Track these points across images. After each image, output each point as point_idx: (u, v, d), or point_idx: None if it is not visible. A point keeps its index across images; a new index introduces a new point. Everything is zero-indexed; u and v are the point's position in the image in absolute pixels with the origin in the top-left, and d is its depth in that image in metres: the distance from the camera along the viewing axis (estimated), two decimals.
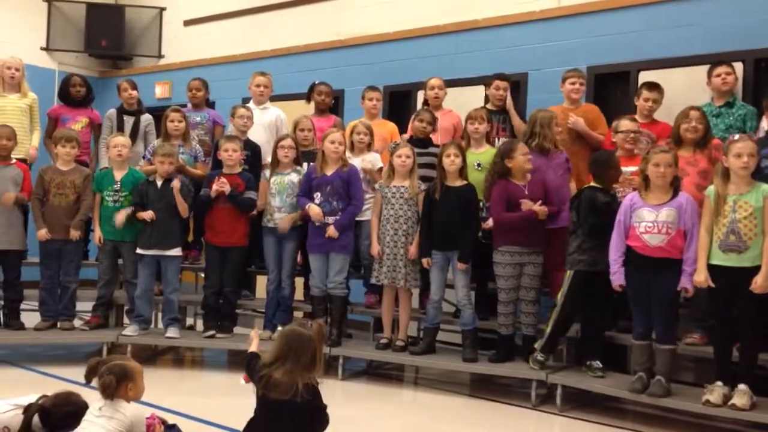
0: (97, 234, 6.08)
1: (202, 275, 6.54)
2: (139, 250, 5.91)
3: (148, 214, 5.80)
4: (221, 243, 5.98)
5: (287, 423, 3.05)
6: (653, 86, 5.63)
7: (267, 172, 6.05)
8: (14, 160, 6.07)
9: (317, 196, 5.71)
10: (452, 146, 5.50)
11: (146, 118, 6.97)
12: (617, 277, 4.68)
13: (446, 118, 6.28)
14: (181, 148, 6.32)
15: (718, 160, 4.61)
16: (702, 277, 4.39)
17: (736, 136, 4.41)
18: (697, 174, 4.95)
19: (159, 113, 6.76)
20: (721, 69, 5.33)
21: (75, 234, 5.97)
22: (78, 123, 6.85)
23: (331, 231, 5.62)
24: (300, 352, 3.07)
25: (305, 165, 6.03)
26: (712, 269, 4.40)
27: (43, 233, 5.89)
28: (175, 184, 5.83)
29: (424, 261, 5.50)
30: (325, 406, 3.12)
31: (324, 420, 3.12)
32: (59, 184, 5.95)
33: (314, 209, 5.67)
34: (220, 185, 5.80)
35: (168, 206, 5.85)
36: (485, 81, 6.28)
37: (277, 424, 3.06)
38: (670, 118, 5.33)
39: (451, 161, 5.41)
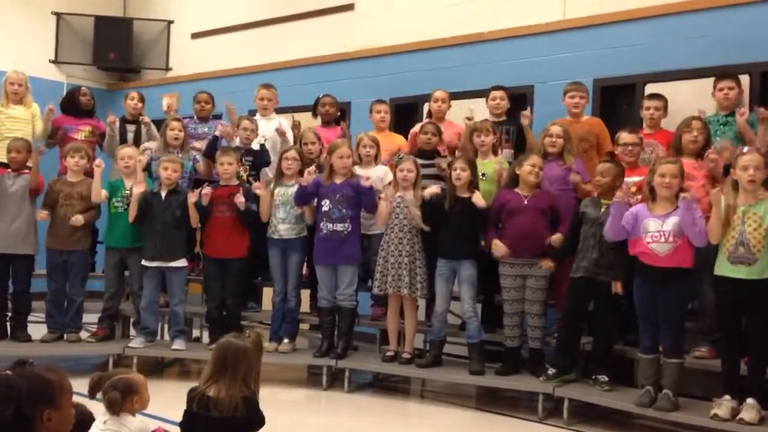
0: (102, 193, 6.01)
1: None
2: (143, 262, 5.92)
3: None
4: (220, 254, 5.95)
5: None
6: (654, 96, 5.64)
7: (271, 184, 6.06)
8: (27, 171, 6.11)
9: (326, 203, 5.70)
10: (460, 160, 5.51)
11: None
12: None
13: (449, 129, 6.30)
14: (179, 154, 6.34)
15: (718, 162, 4.63)
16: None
17: (745, 149, 4.40)
18: (704, 178, 4.95)
19: None
20: (725, 83, 5.31)
21: (78, 218, 5.91)
22: (81, 132, 6.92)
23: (367, 180, 5.58)
24: (236, 366, 3.11)
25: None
26: (721, 281, 4.38)
27: (44, 214, 5.92)
28: (205, 191, 5.80)
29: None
30: (262, 417, 3.15)
31: (258, 426, 3.16)
32: (67, 195, 6.00)
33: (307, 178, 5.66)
34: (238, 200, 5.79)
35: (172, 218, 5.87)
36: (485, 94, 6.30)
37: None
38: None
39: (457, 175, 5.43)
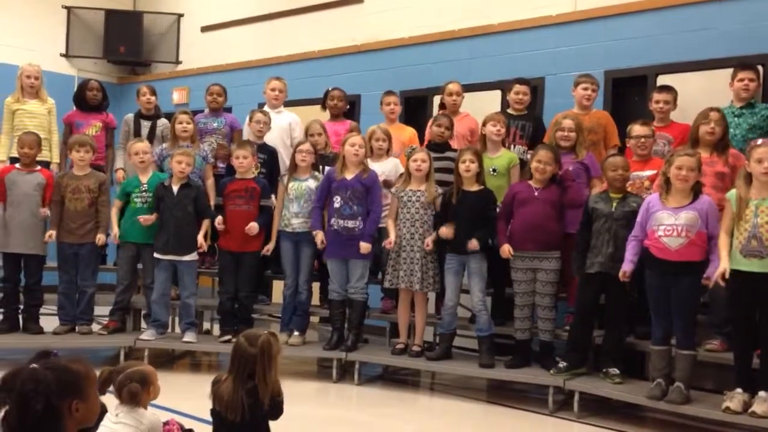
0: (115, 230, 6.07)
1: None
2: (156, 255, 5.94)
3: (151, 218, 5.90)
4: (236, 248, 5.99)
5: None
6: (663, 88, 5.60)
7: (285, 178, 6.07)
8: (38, 168, 6.14)
9: (337, 199, 5.70)
10: (468, 152, 5.48)
11: (162, 122, 7.04)
12: (627, 267, 4.69)
13: (462, 123, 6.26)
14: (189, 148, 6.33)
15: (736, 167, 4.56)
16: (722, 269, 4.29)
17: (759, 141, 4.36)
18: (714, 175, 4.90)
19: None
20: (745, 74, 5.25)
21: (102, 238, 6.01)
22: (92, 127, 6.93)
23: (364, 247, 5.60)
24: (240, 365, 3.12)
25: (321, 169, 6.04)
26: (734, 274, 4.35)
27: (47, 235, 5.96)
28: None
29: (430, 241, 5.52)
30: (275, 402, 3.13)
31: (276, 415, 3.17)
32: (75, 189, 6.00)
33: (319, 236, 5.74)
34: (250, 228, 5.88)
35: (184, 212, 5.87)
36: (504, 85, 6.25)
37: None
38: (687, 122, 5.30)
39: (466, 167, 5.40)
